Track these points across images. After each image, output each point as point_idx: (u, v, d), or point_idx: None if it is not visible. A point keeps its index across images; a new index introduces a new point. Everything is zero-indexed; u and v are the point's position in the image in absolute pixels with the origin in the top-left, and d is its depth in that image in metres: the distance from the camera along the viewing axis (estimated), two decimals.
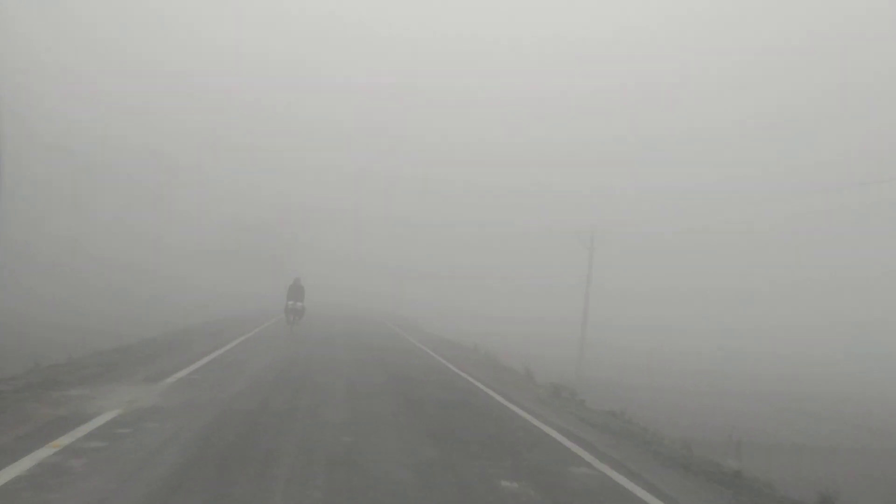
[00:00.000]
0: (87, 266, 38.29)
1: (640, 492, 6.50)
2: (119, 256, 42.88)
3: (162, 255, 46.41)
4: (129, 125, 49.13)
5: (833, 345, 59.29)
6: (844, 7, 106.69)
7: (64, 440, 6.27)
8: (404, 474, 6.17)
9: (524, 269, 77.41)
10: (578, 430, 9.89)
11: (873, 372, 45.86)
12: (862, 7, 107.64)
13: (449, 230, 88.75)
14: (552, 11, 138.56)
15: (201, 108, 61.24)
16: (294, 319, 24.86)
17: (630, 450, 8.72)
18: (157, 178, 48.50)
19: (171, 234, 49.40)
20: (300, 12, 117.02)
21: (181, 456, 6.13)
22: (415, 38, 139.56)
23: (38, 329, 19.18)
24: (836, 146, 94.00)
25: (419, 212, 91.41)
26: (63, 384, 9.29)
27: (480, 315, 58.87)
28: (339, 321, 30.88)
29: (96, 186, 45.13)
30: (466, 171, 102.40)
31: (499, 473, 6.51)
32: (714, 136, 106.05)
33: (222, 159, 61.54)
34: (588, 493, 6.31)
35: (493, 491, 5.91)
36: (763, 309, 68.99)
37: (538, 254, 75.79)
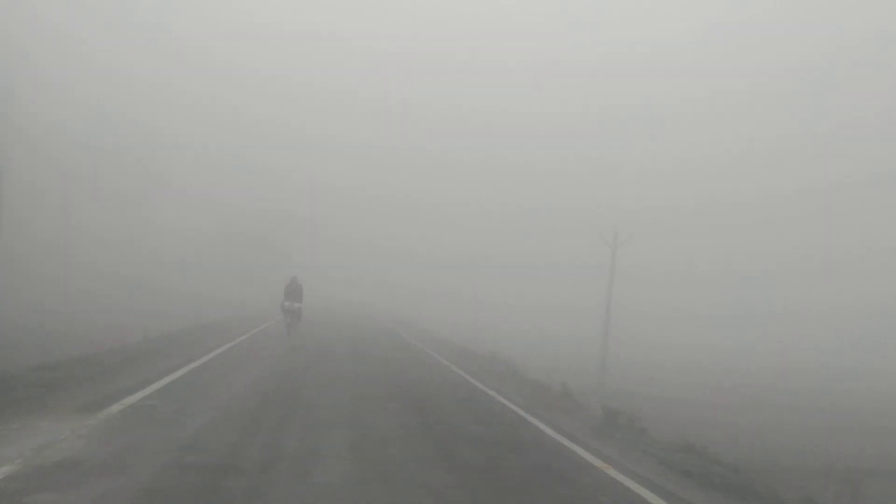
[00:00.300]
0: (68, 271, 35.79)
1: None
2: (103, 262, 40.34)
3: (149, 261, 43.83)
4: (115, 130, 46.56)
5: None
6: None
7: None
8: None
9: (543, 256, 73.68)
10: (669, 482, 7.17)
11: None
12: None
13: (458, 210, 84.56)
14: None
15: (190, 115, 58.10)
16: (292, 322, 22.23)
17: None
18: (143, 184, 45.97)
19: (158, 239, 46.83)
20: (289, 25, 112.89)
21: None
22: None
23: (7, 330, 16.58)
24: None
25: (427, 192, 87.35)
26: None
27: (494, 306, 56.38)
28: (340, 326, 28.17)
29: (80, 192, 42.75)
30: (478, 144, 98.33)
31: None
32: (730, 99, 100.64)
33: (211, 167, 58.55)
34: None
35: None
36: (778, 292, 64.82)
37: (558, 237, 72.22)
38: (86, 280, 35.22)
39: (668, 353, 42.70)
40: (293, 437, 7.26)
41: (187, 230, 48.89)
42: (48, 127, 40.62)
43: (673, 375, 33.00)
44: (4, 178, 31.19)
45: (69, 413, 7.54)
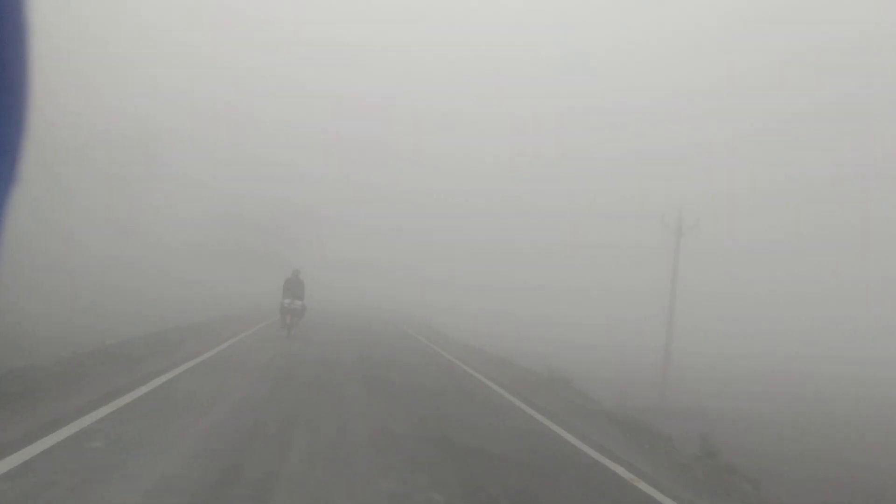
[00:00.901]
0: (66, 257, 31.62)
1: None
2: (99, 247, 36.14)
3: (145, 248, 39.62)
4: (115, 114, 42.44)
5: None
6: None
7: None
8: None
9: (589, 270, 69.34)
10: None
11: None
12: None
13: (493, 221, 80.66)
14: None
15: (201, 116, 54.26)
16: (292, 322, 18.93)
17: None
18: (144, 168, 41.69)
19: (158, 225, 42.60)
20: (294, 26, 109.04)
21: None
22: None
23: None
24: None
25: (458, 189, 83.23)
26: None
27: (533, 321, 51.75)
28: (349, 331, 23.54)
29: (78, 175, 38.61)
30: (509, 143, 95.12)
31: None
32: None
33: (224, 163, 54.60)
34: None
35: None
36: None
37: (606, 250, 68.08)
38: (82, 266, 31.12)
39: (736, 343, 38.17)
40: None
41: (189, 219, 44.86)
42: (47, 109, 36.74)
43: (747, 375, 28.27)
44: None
45: None
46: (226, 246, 43.99)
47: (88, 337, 13.33)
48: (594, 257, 71.08)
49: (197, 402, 7.96)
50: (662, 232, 25.57)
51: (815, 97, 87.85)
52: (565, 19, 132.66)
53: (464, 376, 14.30)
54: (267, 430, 6.91)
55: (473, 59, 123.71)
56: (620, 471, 6.98)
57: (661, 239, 25.97)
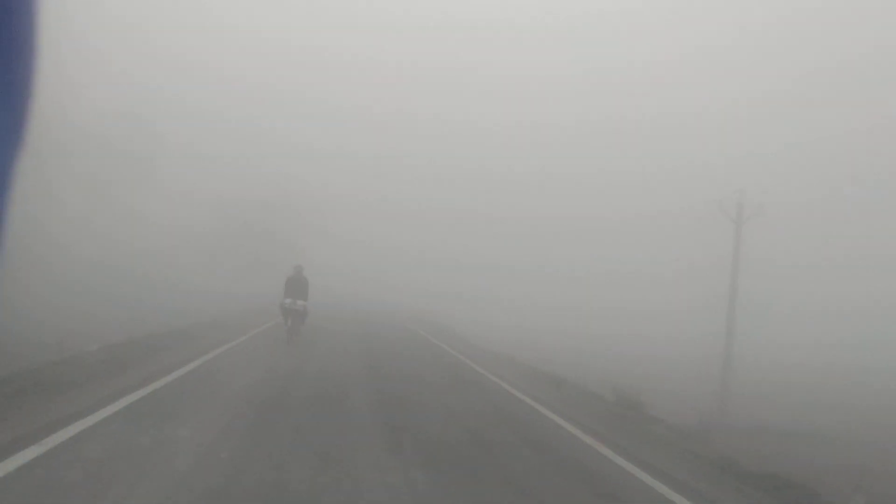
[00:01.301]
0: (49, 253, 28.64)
1: None
2: (84, 250, 33.15)
3: (135, 250, 36.57)
4: (101, 113, 39.50)
5: None
6: None
7: None
8: None
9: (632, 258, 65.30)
10: None
11: None
12: None
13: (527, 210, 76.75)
14: None
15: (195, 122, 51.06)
16: (293, 326, 16.30)
17: None
18: (140, 151, 38.53)
19: (149, 227, 39.53)
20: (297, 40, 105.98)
21: None
22: None
23: None
24: None
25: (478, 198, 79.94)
26: None
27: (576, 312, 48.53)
28: (358, 337, 20.36)
29: (62, 174, 35.55)
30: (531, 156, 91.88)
31: None
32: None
33: (220, 138, 51.58)
34: None
35: None
36: None
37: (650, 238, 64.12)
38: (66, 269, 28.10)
39: (798, 354, 34.65)
40: None
41: (191, 203, 41.77)
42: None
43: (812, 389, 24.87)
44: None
45: None
46: (225, 245, 40.84)
47: (32, 349, 10.30)
48: (642, 235, 66.71)
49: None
50: (721, 220, 22.23)
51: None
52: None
53: (511, 403, 11.10)
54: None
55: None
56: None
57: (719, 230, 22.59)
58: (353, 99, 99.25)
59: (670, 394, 17.06)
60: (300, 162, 63.79)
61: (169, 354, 11.37)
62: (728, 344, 22.45)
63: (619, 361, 23.30)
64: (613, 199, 73.48)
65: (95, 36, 43.50)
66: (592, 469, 6.93)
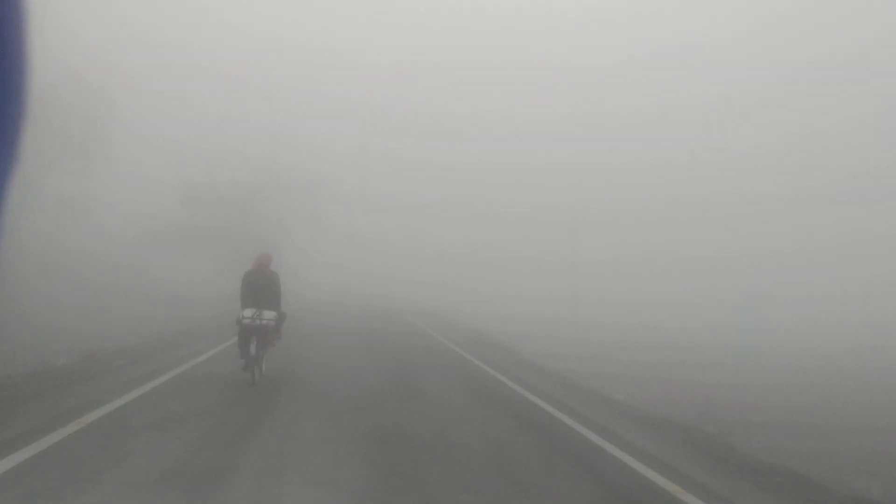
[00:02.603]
0: None
1: None
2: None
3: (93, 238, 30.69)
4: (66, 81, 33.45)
5: None
6: None
7: None
8: None
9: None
10: None
11: None
12: None
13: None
14: None
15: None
16: (258, 353, 10.25)
17: None
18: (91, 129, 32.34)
19: (109, 207, 33.53)
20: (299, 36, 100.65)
21: None
22: None
23: None
24: None
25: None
26: None
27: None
28: (371, 371, 13.76)
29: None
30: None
31: None
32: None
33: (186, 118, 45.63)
34: None
35: None
36: None
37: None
38: None
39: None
40: None
41: (152, 190, 35.66)
42: None
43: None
44: None
45: None
46: (197, 241, 34.67)
47: None
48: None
49: None
50: None
51: None
52: None
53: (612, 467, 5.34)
54: None
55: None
56: None
57: None
58: (355, 93, 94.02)
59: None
60: (297, 151, 58.42)
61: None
62: None
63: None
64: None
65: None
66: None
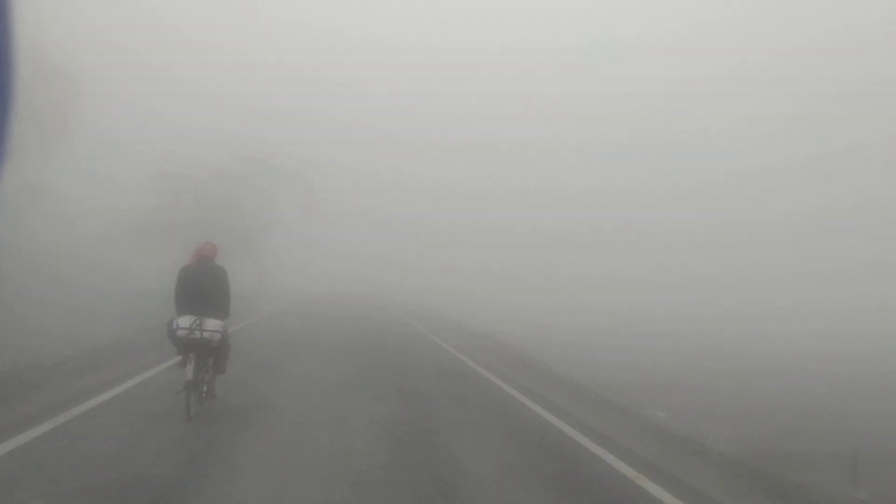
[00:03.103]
0: None
1: None
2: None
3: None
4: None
5: None
6: None
7: None
8: None
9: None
10: None
11: None
12: None
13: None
14: None
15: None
16: (197, 377, 7.58)
17: None
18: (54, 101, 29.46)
19: (74, 192, 30.81)
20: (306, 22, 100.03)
21: None
22: None
23: None
24: None
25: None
26: None
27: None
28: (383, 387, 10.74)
29: None
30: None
31: None
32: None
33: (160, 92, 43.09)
34: None
35: None
36: None
37: None
38: None
39: None
40: None
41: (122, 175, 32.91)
42: None
43: None
44: None
45: None
46: (171, 231, 31.80)
47: None
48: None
49: None
50: None
51: None
52: None
53: None
54: None
55: None
56: None
57: None
58: (362, 77, 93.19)
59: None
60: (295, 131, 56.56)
61: None
62: None
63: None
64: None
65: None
66: None
